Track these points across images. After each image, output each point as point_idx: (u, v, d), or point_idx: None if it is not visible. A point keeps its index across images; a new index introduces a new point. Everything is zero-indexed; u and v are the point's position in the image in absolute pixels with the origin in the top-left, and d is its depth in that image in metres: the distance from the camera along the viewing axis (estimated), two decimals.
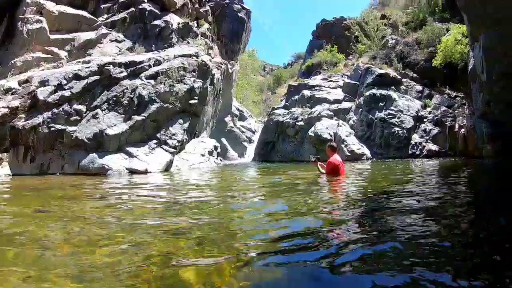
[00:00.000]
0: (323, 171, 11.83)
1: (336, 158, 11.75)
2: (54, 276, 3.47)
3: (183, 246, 4.34)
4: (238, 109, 41.88)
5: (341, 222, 5.63)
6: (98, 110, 18.09)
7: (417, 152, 25.99)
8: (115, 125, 17.78)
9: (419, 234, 4.65)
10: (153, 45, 24.29)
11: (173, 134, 19.50)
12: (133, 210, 7.01)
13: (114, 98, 18.62)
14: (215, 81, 25.57)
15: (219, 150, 25.53)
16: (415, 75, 30.99)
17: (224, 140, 35.46)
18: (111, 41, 23.86)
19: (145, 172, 16.57)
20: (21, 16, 22.09)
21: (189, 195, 9.24)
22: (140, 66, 20.42)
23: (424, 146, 26.32)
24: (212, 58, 27.30)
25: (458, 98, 28.34)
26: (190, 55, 22.57)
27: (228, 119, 38.03)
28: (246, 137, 39.57)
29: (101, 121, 17.73)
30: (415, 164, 20.10)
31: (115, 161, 16.79)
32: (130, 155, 17.46)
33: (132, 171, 16.49)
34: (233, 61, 35.91)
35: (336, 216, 6.06)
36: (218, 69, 26.78)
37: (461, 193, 8.60)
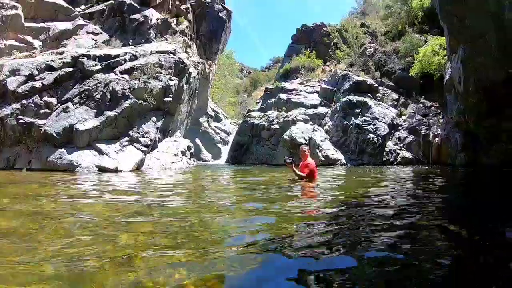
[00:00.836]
0: (300, 173, 11.23)
1: (312, 161, 11.53)
2: None
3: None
4: (213, 110, 41.73)
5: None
6: (69, 104, 17.51)
7: (391, 159, 26.14)
8: (86, 120, 17.19)
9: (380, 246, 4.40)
10: (130, 40, 23.67)
11: (146, 132, 18.92)
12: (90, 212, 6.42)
13: (87, 92, 18.03)
14: (191, 80, 25.09)
15: (192, 150, 25.20)
16: (391, 83, 31.32)
17: (198, 141, 35.29)
18: (88, 33, 23.24)
19: (115, 170, 16.03)
20: None
21: (158, 197, 8.71)
22: (115, 60, 19.82)
23: (398, 154, 26.49)
24: (190, 56, 26.87)
25: (433, 108, 28.79)
26: (167, 52, 22.02)
27: (203, 119, 37.82)
28: (221, 138, 39.46)
29: (71, 115, 17.15)
30: (389, 170, 20.05)
31: (84, 158, 16.20)
32: (101, 152, 16.85)
33: (102, 169, 15.92)
34: (210, 61, 35.50)
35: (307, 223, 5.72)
36: (195, 68, 26.33)
37: (433, 203, 8.36)
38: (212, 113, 40.99)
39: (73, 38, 22.65)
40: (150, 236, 4.72)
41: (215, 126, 40.08)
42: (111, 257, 3.77)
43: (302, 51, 43.06)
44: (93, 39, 23.02)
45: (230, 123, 45.27)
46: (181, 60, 22.38)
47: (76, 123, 16.87)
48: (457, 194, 10.85)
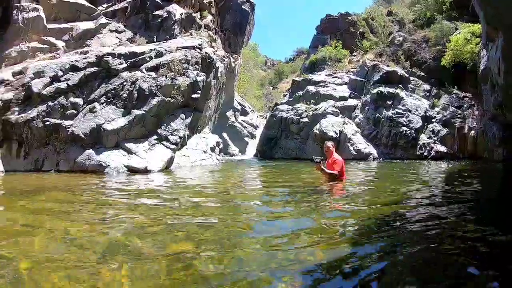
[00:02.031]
0: (331, 171, 10.24)
1: (339, 157, 10.68)
2: None
3: None
4: (240, 104, 41.18)
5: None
6: (96, 104, 17.10)
7: (425, 153, 25.43)
8: (113, 120, 16.77)
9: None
10: (155, 36, 23.26)
11: (175, 130, 18.44)
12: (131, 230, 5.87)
13: (113, 91, 17.59)
14: (218, 75, 24.56)
15: (221, 146, 24.76)
16: (422, 73, 30.27)
17: (225, 135, 34.87)
18: (111, 31, 22.88)
19: (145, 170, 15.59)
20: (16, 4, 21.04)
21: (192, 211, 7.64)
22: (140, 57, 19.35)
23: (432, 147, 25.77)
24: (216, 51, 26.34)
25: (466, 99, 27.78)
26: (193, 47, 21.49)
27: (229, 113, 37.35)
28: (248, 132, 38.91)
29: (98, 115, 16.73)
30: (425, 166, 19.50)
31: (113, 158, 15.81)
32: (129, 151, 16.45)
33: (131, 169, 15.52)
34: (236, 55, 34.95)
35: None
36: (221, 62, 25.80)
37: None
38: (239, 107, 40.51)
39: (96, 37, 22.33)
40: None
41: (242, 120, 39.62)
42: None
43: (328, 42, 42.29)
44: (117, 37, 22.65)
45: (257, 117, 44.75)
46: (207, 54, 21.83)
47: (103, 123, 16.45)
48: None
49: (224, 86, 29.59)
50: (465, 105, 27.33)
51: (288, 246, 4.69)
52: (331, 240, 4.94)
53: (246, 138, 37.86)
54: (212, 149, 22.28)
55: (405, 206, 7.58)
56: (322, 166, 10.09)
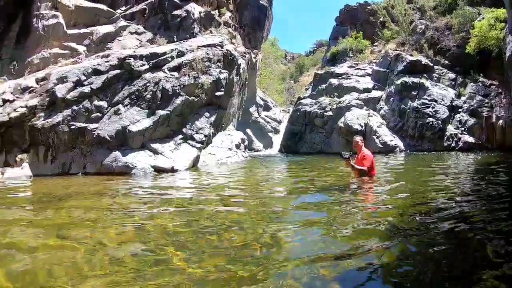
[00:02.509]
0: (361, 167, 9.93)
1: (369, 152, 10.34)
2: None
3: None
4: (262, 99, 40.94)
5: None
6: (120, 106, 17.14)
7: (453, 144, 25.03)
8: (138, 121, 16.79)
9: None
10: (175, 36, 23.19)
11: (200, 129, 18.40)
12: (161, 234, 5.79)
13: (136, 93, 17.61)
14: (241, 71, 24.43)
15: (246, 142, 24.72)
16: (446, 62, 29.63)
17: (249, 131, 34.71)
18: (131, 33, 22.91)
19: (171, 170, 15.61)
20: (36, 13, 21.37)
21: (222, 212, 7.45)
22: (162, 58, 19.32)
23: (460, 138, 25.28)
24: (236, 47, 26.23)
25: (493, 87, 27.01)
26: (214, 45, 21.40)
27: (252, 109, 37.18)
28: (271, 127, 38.65)
29: (123, 117, 16.76)
30: (454, 158, 19.20)
31: (139, 159, 15.84)
32: (155, 152, 16.46)
33: (158, 169, 15.55)
34: (256, 50, 34.76)
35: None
36: (243, 59, 25.67)
37: None
38: (261, 102, 40.28)
39: (117, 40, 22.40)
40: None
41: (265, 115, 39.38)
42: None
43: (348, 33, 41.94)
44: (137, 39, 22.68)
45: (280, 111, 44.44)
46: (229, 52, 21.72)
47: (128, 125, 16.48)
48: None
49: (247, 82, 29.50)
50: (492, 93, 26.60)
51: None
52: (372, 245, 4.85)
53: (270, 134, 37.64)
54: (237, 146, 22.25)
55: (437, 203, 7.36)
56: (351, 162, 9.85)
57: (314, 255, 4.42)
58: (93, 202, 8.85)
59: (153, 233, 5.73)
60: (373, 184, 9.74)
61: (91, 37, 22.12)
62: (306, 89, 38.40)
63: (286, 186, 11.63)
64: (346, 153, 9.95)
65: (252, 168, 18.01)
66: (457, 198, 7.89)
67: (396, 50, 31.58)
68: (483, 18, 27.27)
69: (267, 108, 41.14)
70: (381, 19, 38.61)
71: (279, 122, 39.95)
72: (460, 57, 28.84)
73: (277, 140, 35.48)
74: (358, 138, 10.49)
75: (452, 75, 28.74)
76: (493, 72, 27.09)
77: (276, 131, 38.19)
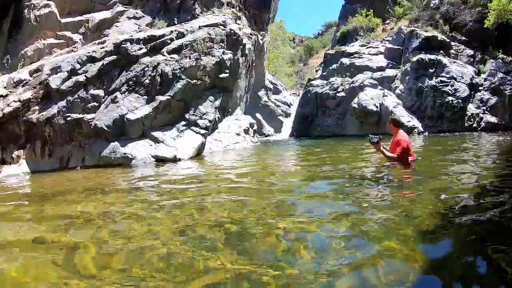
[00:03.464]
0: (391, 154, 8.77)
1: (405, 135, 8.96)
2: None
3: None
4: (271, 82, 39.95)
5: None
6: (117, 94, 16.06)
7: (474, 125, 23.79)
8: (136, 109, 15.69)
9: None
10: (175, 19, 22.02)
11: (204, 114, 17.23)
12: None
13: (134, 79, 16.48)
14: (246, 52, 23.15)
15: (255, 127, 23.51)
16: (463, 38, 28.37)
17: (258, 115, 33.88)
18: (129, 18, 21.79)
19: (174, 159, 14.48)
20: (27, 3, 20.35)
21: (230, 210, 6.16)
22: (161, 40, 18.13)
23: (482, 118, 24.08)
24: (241, 28, 25.08)
25: None
26: (217, 25, 20.21)
27: (261, 93, 36.29)
28: (282, 111, 37.71)
29: (120, 105, 15.68)
30: (479, 139, 17.90)
31: (139, 149, 14.78)
32: (156, 140, 15.36)
33: (159, 159, 14.44)
34: (263, 32, 33.73)
35: None
36: (249, 40, 24.51)
37: None
38: (271, 86, 39.26)
39: (114, 26, 21.34)
40: None
41: (275, 99, 38.41)
42: None
43: (358, 11, 40.54)
44: (136, 24, 21.58)
45: (290, 94, 43.56)
46: (233, 31, 20.52)
47: (126, 113, 15.40)
48: None
49: (254, 64, 28.42)
50: None
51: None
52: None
53: (280, 117, 36.72)
54: (246, 131, 21.05)
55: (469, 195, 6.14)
56: (381, 148, 8.76)
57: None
58: (67, 206, 7.55)
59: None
60: (407, 173, 8.45)
61: (86, 24, 21.14)
62: (316, 71, 37.37)
63: (301, 177, 10.16)
64: (375, 136, 8.72)
65: (262, 154, 16.74)
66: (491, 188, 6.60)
67: (410, 26, 30.32)
68: None
69: (276, 91, 40.20)
70: None
71: (290, 105, 39.06)
72: (477, 33, 27.67)
73: (288, 124, 34.44)
74: (392, 119, 9.39)
75: (470, 52, 27.54)
76: None
77: (287, 115, 37.26)
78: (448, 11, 29.93)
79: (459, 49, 27.60)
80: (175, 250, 4.21)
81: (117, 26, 21.26)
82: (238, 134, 19.95)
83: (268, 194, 7.07)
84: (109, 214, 6.22)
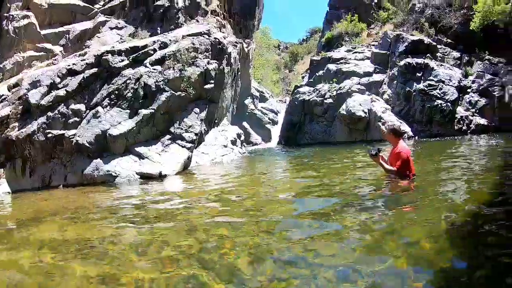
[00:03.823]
0: (389, 167, 8.15)
1: (406, 147, 8.29)
2: None
3: None
4: (257, 90, 39.50)
5: None
6: (99, 108, 15.45)
7: (464, 128, 23.68)
8: (119, 123, 15.07)
9: None
10: (159, 28, 21.46)
11: (189, 126, 16.60)
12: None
13: (116, 92, 15.85)
14: (232, 61, 22.65)
15: (242, 137, 23.06)
16: (449, 40, 28.48)
17: (245, 124, 33.29)
18: (111, 28, 21.22)
19: (159, 176, 13.82)
20: (5, 14, 19.91)
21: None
22: (143, 51, 17.58)
23: (471, 120, 24.02)
24: (226, 36, 24.61)
25: (501, 65, 25.69)
26: (201, 34, 19.68)
27: (248, 101, 35.70)
28: (269, 119, 37.16)
29: (102, 120, 15.06)
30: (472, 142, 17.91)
31: (123, 166, 14.14)
32: (140, 156, 14.73)
33: (144, 176, 13.80)
34: (248, 39, 33.27)
35: None
36: (234, 48, 24.03)
37: None
38: (257, 93, 38.71)
39: (96, 37, 20.77)
40: None
41: (261, 107, 37.84)
42: None
43: (343, 16, 40.35)
44: (118, 34, 21.02)
45: (277, 102, 43.22)
46: (217, 40, 19.95)
47: (108, 128, 14.78)
48: None
49: (239, 73, 27.96)
50: (502, 71, 25.28)
51: None
52: None
53: (268, 125, 36.17)
54: (233, 142, 20.54)
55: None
56: (380, 160, 8.18)
57: None
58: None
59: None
60: (405, 185, 7.94)
61: (67, 35, 20.57)
62: (303, 77, 37.02)
63: (291, 194, 9.62)
64: (373, 148, 8.18)
65: (249, 167, 16.30)
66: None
67: (395, 30, 30.15)
68: None
69: (263, 99, 39.80)
70: (376, 1, 37.63)
71: (277, 113, 38.63)
72: (463, 35, 27.85)
73: (275, 131, 34.03)
74: (389, 128, 8.52)
75: (456, 54, 27.58)
76: (499, 49, 25.83)
77: (274, 123, 36.81)
78: (433, 15, 29.97)
79: (446, 52, 27.61)
80: None
81: (98, 37, 20.71)
82: (225, 146, 19.40)
83: (257, 217, 6.57)
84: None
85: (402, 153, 8.02)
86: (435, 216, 5.47)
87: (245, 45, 30.72)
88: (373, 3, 38.03)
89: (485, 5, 24.88)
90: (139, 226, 6.70)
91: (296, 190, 9.41)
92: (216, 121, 20.74)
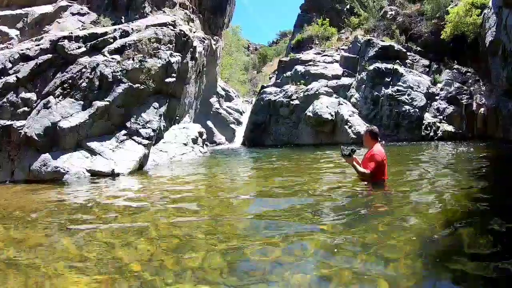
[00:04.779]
0: (364, 170, 7.63)
1: (381, 150, 7.82)
2: None
3: None
4: (223, 89, 39.03)
5: None
6: (50, 98, 14.27)
7: (431, 134, 23.39)
8: (71, 115, 13.92)
9: None
10: (123, 17, 20.37)
11: (147, 122, 15.57)
12: None
13: (70, 81, 14.71)
14: (196, 55, 21.79)
15: (205, 136, 21.98)
16: (419, 48, 28.68)
17: (209, 123, 32.73)
18: (73, 14, 20.00)
19: (112, 174, 12.77)
20: None
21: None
22: (102, 38, 16.51)
23: (439, 127, 23.71)
24: (194, 31, 23.70)
25: (469, 74, 25.87)
26: (165, 24, 18.67)
27: (213, 100, 35.11)
28: (234, 119, 36.61)
29: (53, 111, 13.87)
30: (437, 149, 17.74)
31: (73, 162, 13.01)
32: (93, 152, 13.61)
33: (95, 174, 12.72)
34: (217, 36, 32.57)
35: None
36: (201, 43, 23.15)
37: None
38: (223, 92, 38.25)
39: (56, 22, 19.56)
40: None
41: (227, 106, 37.34)
42: None
43: (314, 20, 40.01)
44: (80, 21, 19.82)
45: (243, 102, 42.76)
46: (182, 32, 18.98)
47: (59, 120, 13.61)
48: None
49: (205, 69, 27.28)
50: (470, 81, 25.38)
51: None
52: None
53: (232, 125, 35.64)
54: (194, 141, 19.58)
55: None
56: (353, 162, 7.63)
57: None
58: None
59: None
60: (377, 194, 7.34)
61: (25, 19, 19.29)
62: (270, 78, 36.56)
63: (254, 197, 8.83)
64: (347, 147, 7.57)
65: (209, 167, 15.40)
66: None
67: (366, 36, 30.00)
68: (456, 4, 26.55)
69: (228, 98, 39.32)
70: (347, 7, 37.87)
71: (242, 113, 38.23)
72: (433, 44, 28.08)
73: (240, 132, 33.60)
74: (368, 131, 8.09)
75: (425, 62, 27.64)
76: (468, 59, 26.23)
77: (239, 123, 36.31)
78: (404, 22, 30.15)
79: (415, 59, 27.62)
80: None
81: (59, 23, 19.52)
82: (185, 144, 18.42)
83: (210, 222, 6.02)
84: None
85: (376, 155, 7.60)
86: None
87: (213, 42, 30.26)
88: (345, 9, 38.20)
89: (457, 16, 24.99)
90: (75, 234, 5.92)
91: (253, 191, 8.77)
92: (177, 117, 19.84)
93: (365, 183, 7.78)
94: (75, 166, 12.87)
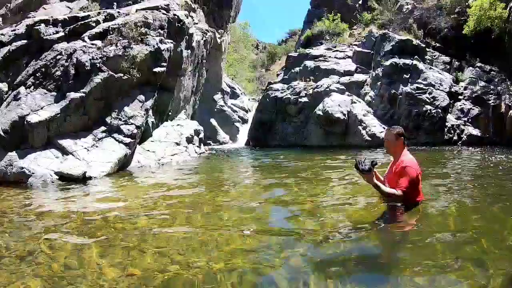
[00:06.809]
0: (392, 191, 5.28)
1: (413, 160, 5.62)
2: None
3: None
4: (229, 86, 37.62)
5: None
6: (21, 88, 12.59)
7: (455, 138, 21.63)
8: (41, 108, 12.15)
9: None
10: (115, 4, 18.65)
11: (130, 117, 13.52)
12: None
13: (43, 69, 13.01)
14: (194, 45, 19.93)
15: (202, 135, 20.10)
16: (438, 44, 26.76)
17: (213, 121, 31.43)
18: (60, 0, 18.43)
19: (83, 177, 10.88)
20: None
21: None
22: (83, 22, 14.74)
23: (463, 130, 21.98)
24: (196, 23, 21.97)
25: (493, 72, 24.10)
26: (157, 8, 16.79)
27: (218, 97, 33.83)
28: (239, 117, 35.42)
29: (22, 103, 12.15)
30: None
31: (40, 163, 11.23)
32: (64, 151, 11.77)
33: (64, 177, 10.85)
34: (222, 30, 30.96)
35: None
36: (201, 33, 21.42)
37: None
38: (228, 89, 36.83)
39: (42, 8, 18.12)
40: None
41: (232, 104, 36.03)
42: None
43: (325, 16, 38.40)
44: (68, 7, 18.34)
45: (249, 100, 41.26)
46: (176, 17, 17.01)
47: (28, 114, 11.86)
48: None
49: (210, 64, 25.61)
50: (496, 80, 23.51)
51: None
52: None
53: (237, 124, 34.48)
54: (189, 139, 17.67)
55: None
56: (375, 180, 5.19)
57: None
58: None
59: None
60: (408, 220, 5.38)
61: (8, 5, 17.79)
62: (278, 75, 35.06)
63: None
64: (366, 162, 5.08)
65: (203, 171, 13.43)
66: None
67: (382, 29, 28.42)
68: None
69: (234, 95, 38.05)
70: (360, 2, 36.83)
71: (247, 111, 36.93)
72: (453, 40, 26.14)
73: (244, 131, 31.95)
74: (393, 132, 5.92)
75: (446, 59, 25.61)
76: (491, 57, 24.40)
77: (244, 121, 35.08)
78: (422, 16, 28.37)
79: (434, 56, 25.69)
80: None
81: (45, 9, 18.09)
82: (177, 144, 16.49)
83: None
84: None
85: (408, 168, 5.36)
86: None
87: (217, 35, 28.61)
88: (356, 5, 36.99)
89: (481, 9, 23.39)
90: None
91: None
92: (170, 113, 18.09)
93: (393, 203, 5.63)
94: (42, 167, 11.07)
